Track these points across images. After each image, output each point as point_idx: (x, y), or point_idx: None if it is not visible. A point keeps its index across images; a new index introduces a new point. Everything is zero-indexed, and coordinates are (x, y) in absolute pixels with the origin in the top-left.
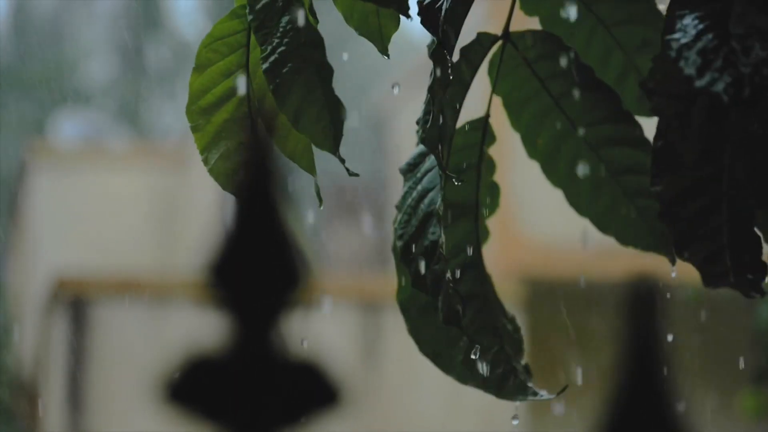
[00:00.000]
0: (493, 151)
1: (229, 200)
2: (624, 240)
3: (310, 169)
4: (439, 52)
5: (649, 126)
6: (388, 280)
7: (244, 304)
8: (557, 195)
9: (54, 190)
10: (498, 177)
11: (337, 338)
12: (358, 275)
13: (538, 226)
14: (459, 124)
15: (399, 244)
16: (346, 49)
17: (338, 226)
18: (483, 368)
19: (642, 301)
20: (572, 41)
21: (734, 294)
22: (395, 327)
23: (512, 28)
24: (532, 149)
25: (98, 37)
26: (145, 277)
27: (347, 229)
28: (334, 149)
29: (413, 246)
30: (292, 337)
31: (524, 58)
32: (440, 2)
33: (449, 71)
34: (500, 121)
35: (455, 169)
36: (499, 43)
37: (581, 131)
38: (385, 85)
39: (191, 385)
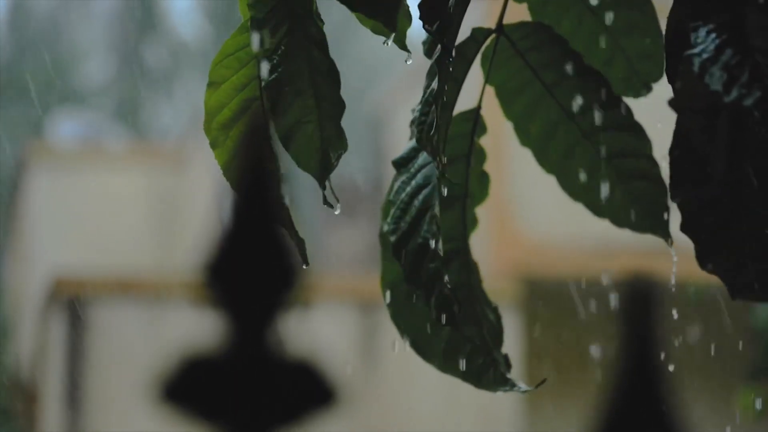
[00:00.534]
0: (490, 151)
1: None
2: (619, 222)
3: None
4: (441, 55)
5: (637, 107)
6: None
7: (242, 304)
8: (555, 194)
9: (52, 190)
10: (496, 176)
11: (335, 338)
12: (356, 275)
13: (536, 226)
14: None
15: (392, 239)
16: (344, 50)
17: (336, 226)
18: (462, 361)
19: (639, 300)
20: (560, 27)
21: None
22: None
23: (504, 21)
24: (525, 137)
25: (96, 38)
26: (143, 277)
27: (345, 229)
28: (320, 177)
29: (407, 242)
30: (288, 337)
31: (517, 49)
32: (441, 4)
33: (450, 72)
34: (500, 124)
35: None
36: (493, 36)
37: (574, 118)
38: (383, 85)
39: (188, 385)
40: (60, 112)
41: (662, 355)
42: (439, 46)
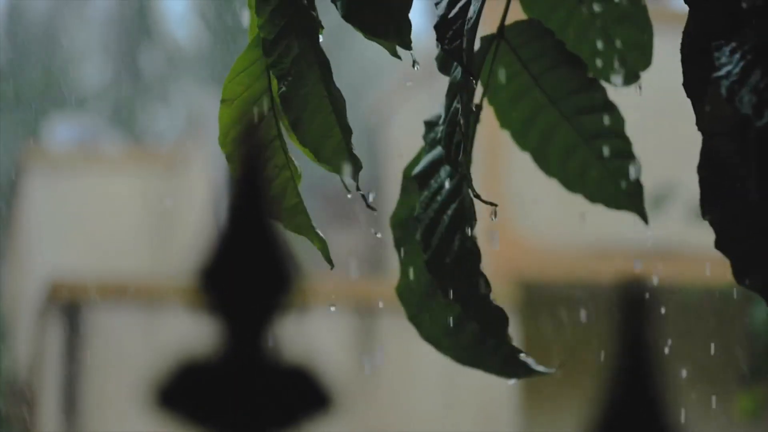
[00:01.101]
0: (487, 155)
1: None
2: (593, 197)
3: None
4: (464, 77)
5: (620, 98)
6: (383, 284)
7: (237, 308)
8: (553, 198)
9: (48, 194)
10: (494, 181)
11: (332, 342)
12: (353, 278)
13: (533, 229)
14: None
15: (426, 255)
16: (339, 53)
17: (331, 229)
18: (485, 350)
19: (635, 304)
20: (551, 20)
21: (729, 296)
22: (390, 331)
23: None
24: (506, 121)
25: (92, 42)
26: (139, 281)
27: (340, 232)
28: (354, 176)
29: (442, 259)
30: (284, 342)
31: (517, 54)
32: (458, 24)
33: (473, 89)
34: (498, 128)
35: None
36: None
37: (557, 103)
38: (380, 87)
39: (184, 389)
40: (56, 116)
41: (659, 358)
42: (456, 64)
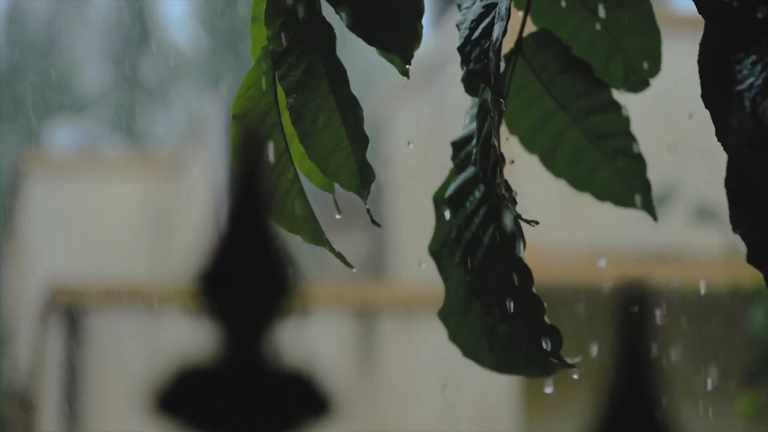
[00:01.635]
0: None
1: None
2: (602, 197)
3: (328, 187)
4: (494, 98)
5: (620, 99)
6: (382, 288)
7: (237, 312)
8: (553, 201)
9: (49, 198)
10: None
11: (332, 346)
12: (353, 283)
13: (534, 232)
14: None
15: (468, 278)
16: (341, 55)
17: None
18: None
19: (635, 305)
20: (561, 30)
21: (728, 299)
22: (390, 335)
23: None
24: (515, 127)
25: (91, 46)
26: (139, 285)
27: (341, 237)
28: (363, 192)
29: (487, 279)
30: (284, 346)
31: (531, 67)
32: (483, 46)
33: (502, 110)
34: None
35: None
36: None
37: (566, 108)
38: (380, 91)
39: (183, 394)
40: (57, 120)
41: (659, 360)
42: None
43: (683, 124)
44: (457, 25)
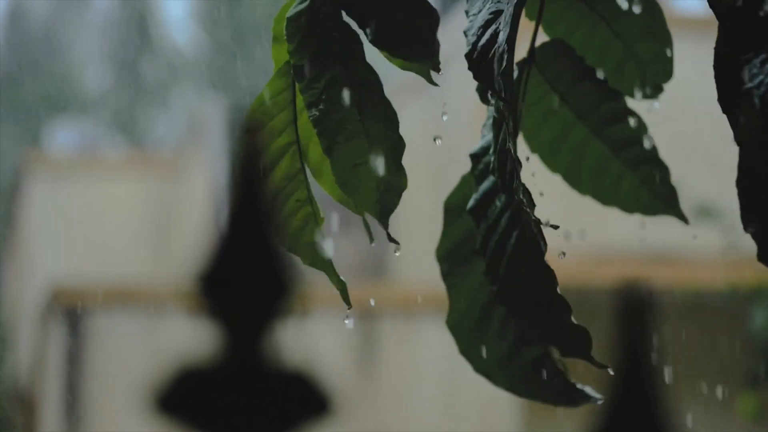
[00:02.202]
0: None
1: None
2: (629, 208)
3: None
4: (509, 107)
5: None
6: (382, 289)
7: (237, 313)
8: (555, 205)
9: (49, 199)
10: None
11: (332, 347)
12: (354, 284)
13: None
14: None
15: (495, 287)
16: None
17: (333, 234)
18: (548, 381)
19: (635, 307)
20: (573, 38)
21: (728, 299)
22: (390, 336)
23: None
24: (535, 143)
25: (92, 48)
26: (140, 286)
27: (340, 238)
28: (381, 217)
29: (514, 287)
30: (284, 347)
31: (540, 70)
32: (492, 61)
33: (518, 119)
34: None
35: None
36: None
37: (585, 119)
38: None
39: (183, 395)
40: (57, 121)
41: (659, 362)
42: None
43: (683, 124)
44: (465, 32)
